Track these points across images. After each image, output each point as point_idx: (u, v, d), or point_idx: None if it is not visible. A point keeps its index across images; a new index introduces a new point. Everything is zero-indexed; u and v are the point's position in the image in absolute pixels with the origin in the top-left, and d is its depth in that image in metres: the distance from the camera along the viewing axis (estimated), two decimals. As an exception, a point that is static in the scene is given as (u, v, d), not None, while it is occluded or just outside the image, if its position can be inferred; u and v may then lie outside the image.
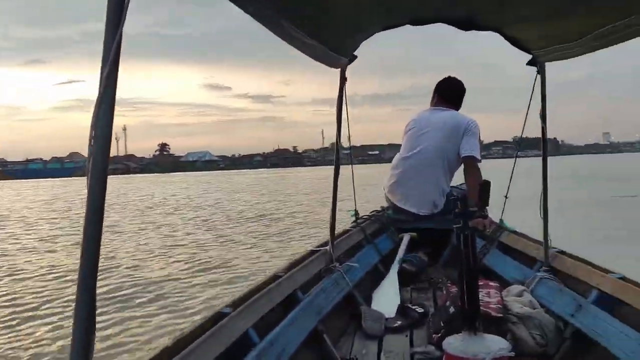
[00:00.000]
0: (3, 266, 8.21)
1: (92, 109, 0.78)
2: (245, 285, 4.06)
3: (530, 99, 2.42)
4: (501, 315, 2.00)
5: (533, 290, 2.28)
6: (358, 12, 1.82)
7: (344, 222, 3.29)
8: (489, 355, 1.47)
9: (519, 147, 2.97)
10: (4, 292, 6.50)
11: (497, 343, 1.56)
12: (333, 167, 2.57)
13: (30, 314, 5.52)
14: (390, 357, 2.03)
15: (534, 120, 2.43)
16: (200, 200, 22.05)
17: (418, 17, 2.03)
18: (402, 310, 2.45)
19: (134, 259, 8.42)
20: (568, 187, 16.42)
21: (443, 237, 3.22)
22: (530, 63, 2.30)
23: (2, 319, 5.34)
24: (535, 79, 2.34)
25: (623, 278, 1.88)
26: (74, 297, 0.78)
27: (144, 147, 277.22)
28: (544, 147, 2.42)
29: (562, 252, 2.40)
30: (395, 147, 3.79)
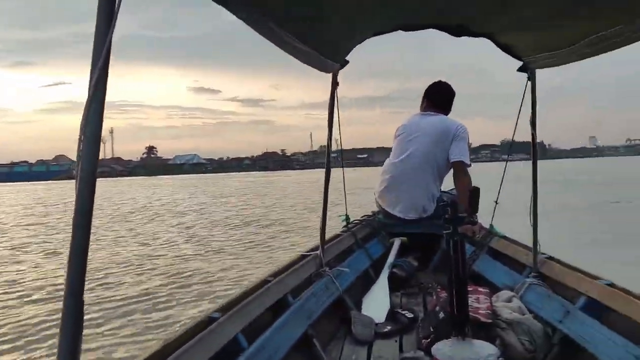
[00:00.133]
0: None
1: (79, 111, 0.78)
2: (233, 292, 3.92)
3: (521, 106, 2.42)
4: (490, 320, 2.00)
5: (522, 296, 2.28)
6: (350, 18, 1.81)
7: (336, 228, 3.28)
8: (478, 361, 1.47)
9: (508, 153, 2.97)
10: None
11: (485, 348, 1.57)
12: (322, 170, 2.56)
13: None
14: None
15: (522, 126, 2.43)
16: (185, 206, 21.61)
17: (410, 23, 2.04)
18: (392, 315, 2.44)
19: (107, 272, 7.67)
20: (554, 191, 16.54)
21: (433, 242, 3.22)
22: (521, 69, 2.30)
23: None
24: (526, 86, 2.35)
25: (611, 285, 1.89)
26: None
27: (132, 150, 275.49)
28: (534, 154, 2.40)
29: (551, 258, 2.41)
30: (385, 151, 3.79)
